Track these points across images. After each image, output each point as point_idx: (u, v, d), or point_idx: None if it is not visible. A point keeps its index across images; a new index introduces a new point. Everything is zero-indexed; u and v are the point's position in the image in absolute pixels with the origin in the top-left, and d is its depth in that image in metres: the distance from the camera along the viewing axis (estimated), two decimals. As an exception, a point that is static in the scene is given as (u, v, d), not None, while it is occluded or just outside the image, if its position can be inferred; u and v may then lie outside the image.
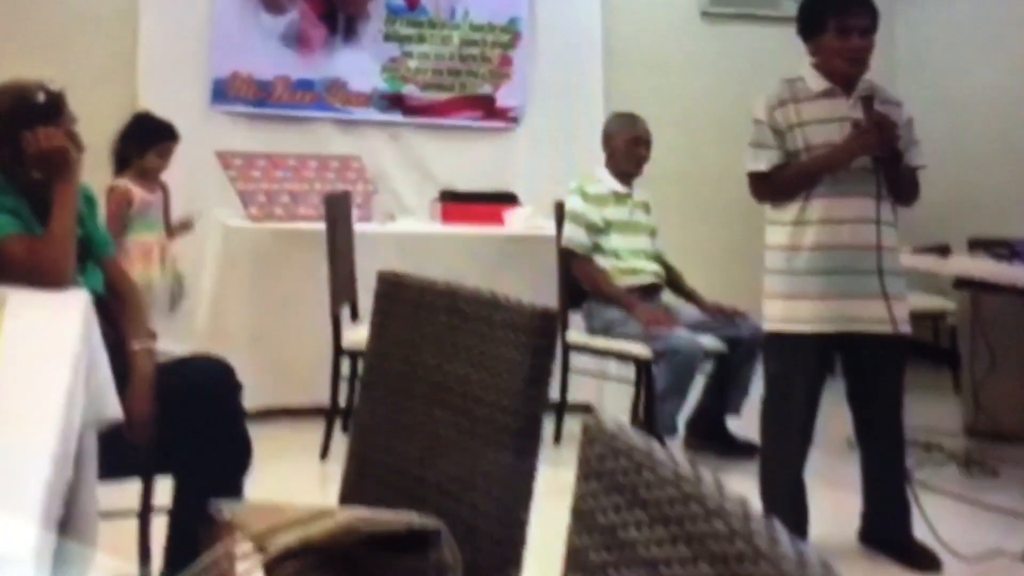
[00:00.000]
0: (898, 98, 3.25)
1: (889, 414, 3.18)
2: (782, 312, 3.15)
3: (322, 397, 4.11)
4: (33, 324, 1.95)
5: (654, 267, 4.44)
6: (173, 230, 4.46)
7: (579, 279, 4.36)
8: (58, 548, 1.34)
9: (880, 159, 3.02)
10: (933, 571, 3.11)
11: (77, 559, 1.88)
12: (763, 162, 3.14)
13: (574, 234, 4.35)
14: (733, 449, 4.19)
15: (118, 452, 2.20)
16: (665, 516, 0.91)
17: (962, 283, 4.49)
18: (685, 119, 6.05)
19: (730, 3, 6.35)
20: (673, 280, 4.52)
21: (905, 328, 3.08)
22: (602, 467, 1.02)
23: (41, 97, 2.44)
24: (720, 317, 4.28)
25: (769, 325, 3.21)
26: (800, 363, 3.14)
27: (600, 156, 4.54)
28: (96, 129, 2.75)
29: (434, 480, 1.87)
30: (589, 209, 4.36)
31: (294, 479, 3.65)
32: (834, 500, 3.43)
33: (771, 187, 3.17)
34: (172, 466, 2.49)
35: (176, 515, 2.53)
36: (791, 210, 3.13)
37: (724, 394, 4.27)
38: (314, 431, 4.09)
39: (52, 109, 2.45)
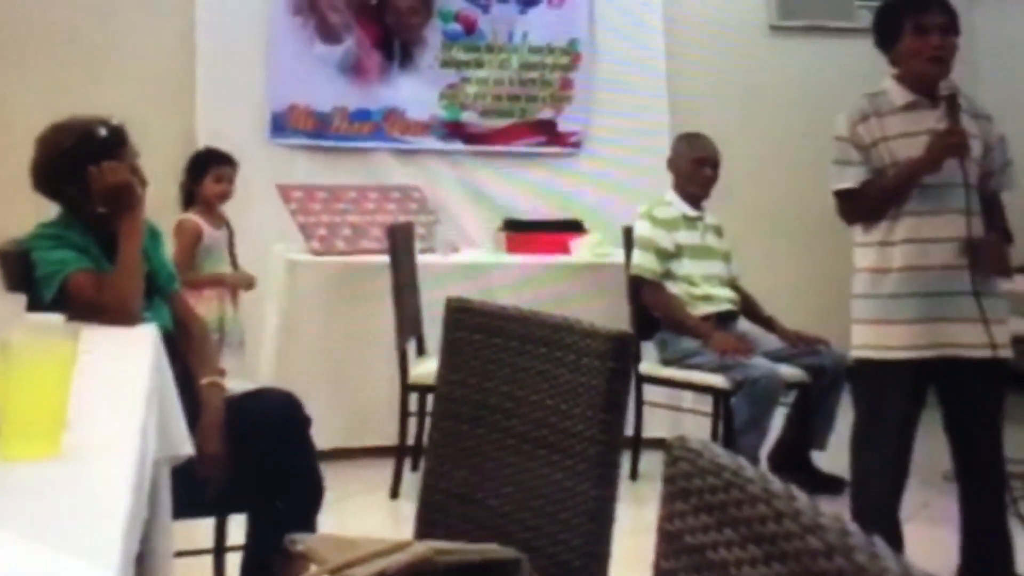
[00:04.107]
0: (988, 111, 3.11)
1: (989, 445, 3.03)
2: (871, 338, 3.03)
3: (390, 435, 4.06)
4: (105, 358, 1.94)
5: (729, 293, 4.32)
6: (234, 285, 4.41)
7: (651, 307, 4.25)
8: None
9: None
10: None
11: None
12: (850, 179, 3.03)
13: (644, 260, 4.24)
14: (819, 483, 3.98)
15: (191, 490, 2.18)
16: (758, 535, 0.88)
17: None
18: (756, 139, 5.91)
19: (800, 16, 6.16)
20: (749, 307, 4.38)
21: (1006, 353, 2.95)
22: (689, 486, 0.99)
23: (103, 132, 2.46)
24: (801, 345, 4.14)
25: (858, 352, 3.08)
26: (892, 391, 3.00)
27: (668, 178, 4.46)
28: (156, 168, 2.75)
29: (510, 511, 1.82)
30: (659, 234, 4.26)
31: (365, 518, 3.61)
32: (931, 537, 3.26)
33: (859, 205, 3.05)
34: (245, 503, 2.47)
35: (251, 551, 2.51)
36: (879, 230, 3.01)
37: (807, 426, 4.12)
38: (383, 469, 4.03)
39: (115, 143, 2.47)
